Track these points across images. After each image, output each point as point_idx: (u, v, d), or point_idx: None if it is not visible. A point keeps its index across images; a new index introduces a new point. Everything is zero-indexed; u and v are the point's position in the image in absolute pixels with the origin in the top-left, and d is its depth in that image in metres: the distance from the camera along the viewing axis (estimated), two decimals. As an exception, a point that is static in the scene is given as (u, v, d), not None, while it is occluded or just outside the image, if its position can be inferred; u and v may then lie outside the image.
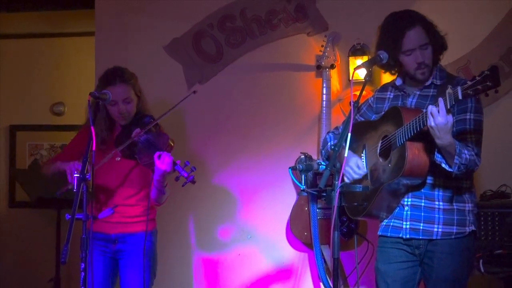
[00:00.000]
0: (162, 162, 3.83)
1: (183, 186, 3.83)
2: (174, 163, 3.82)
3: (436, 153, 3.30)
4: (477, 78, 3.00)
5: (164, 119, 4.01)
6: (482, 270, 4.11)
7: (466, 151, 3.30)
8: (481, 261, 4.11)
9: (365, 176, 3.64)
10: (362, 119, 3.80)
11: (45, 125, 6.68)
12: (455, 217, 3.48)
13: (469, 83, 3.02)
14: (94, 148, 3.44)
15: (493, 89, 2.99)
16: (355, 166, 3.61)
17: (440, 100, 3.13)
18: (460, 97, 3.06)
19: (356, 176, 3.62)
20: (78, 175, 3.46)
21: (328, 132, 3.97)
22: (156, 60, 5.23)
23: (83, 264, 3.34)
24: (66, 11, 6.20)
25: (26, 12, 6.32)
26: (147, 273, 4.08)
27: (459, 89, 3.05)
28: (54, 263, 5.80)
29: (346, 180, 3.65)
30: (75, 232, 3.29)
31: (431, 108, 3.15)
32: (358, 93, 3.46)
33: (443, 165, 3.31)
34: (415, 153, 3.33)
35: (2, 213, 6.62)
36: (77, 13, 6.21)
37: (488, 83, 2.97)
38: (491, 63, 4.79)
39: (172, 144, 4.05)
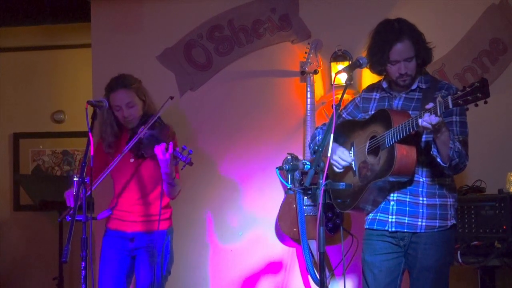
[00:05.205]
0: (162, 152, 3.80)
1: (182, 169, 3.84)
2: (173, 150, 3.81)
3: (432, 148, 3.29)
4: (467, 89, 2.98)
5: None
6: (460, 260, 4.10)
7: (456, 142, 3.29)
8: (459, 252, 4.09)
9: (352, 171, 3.60)
10: (350, 118, 3.78)
11: (46, 132, 6.64)
12: (438, 211, 3.47)
13: (460, 93, 3.00)
14: (92, 153, 3.42)
15: (483, 99, 2.96)
16: (342, 153, 3.58)
17: (430, 104, 3.11)
18: (450, 106, 3.04)
19: (343, 163, 3.58)
20: (77, 178, 3.41)
21: (316, 128, 3.94)
22: (150, 69, 5.19)
23: (83, 263, 3.31)
24: (64, 24, 6.21)
25: (26, 26, 6.33)
26: (159, 270, 4.02)
27: (449, 98, 3.03)
28: (58, 262, 5.72)
29: (336, 169, 3.61)
30: (76, 233, 3.23)
31: (424, 118, 3.11)
32: (339, 96, 3.44)
33: (438, 160, 3.29)
34: (403, 153, 3.33)
35: (8, 216, 6.59)
36: (74, 26, 6.21)
37: (478, 94, 2.96)
38: (464, 66, 4.82)
39: (174, 133, 4.07)
